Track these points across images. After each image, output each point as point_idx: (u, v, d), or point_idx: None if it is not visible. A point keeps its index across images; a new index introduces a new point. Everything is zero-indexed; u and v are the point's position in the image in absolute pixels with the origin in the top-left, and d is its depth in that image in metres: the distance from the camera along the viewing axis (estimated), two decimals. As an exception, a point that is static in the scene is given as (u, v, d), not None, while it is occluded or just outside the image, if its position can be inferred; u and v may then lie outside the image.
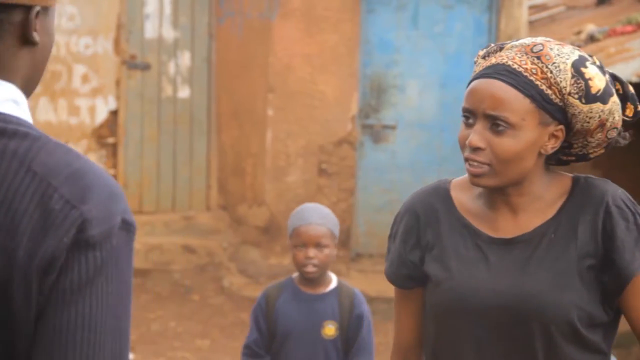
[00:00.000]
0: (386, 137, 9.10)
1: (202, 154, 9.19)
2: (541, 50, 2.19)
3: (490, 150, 2.20)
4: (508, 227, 2.29)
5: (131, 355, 2.32)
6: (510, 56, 2.21)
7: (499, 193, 2.28)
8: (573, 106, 2.18)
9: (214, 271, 8.68)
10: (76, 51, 8.82)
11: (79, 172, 1.57)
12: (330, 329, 3.94)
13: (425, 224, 2.36)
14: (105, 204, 1.57)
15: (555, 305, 2.19)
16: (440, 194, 2.39)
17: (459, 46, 9.11)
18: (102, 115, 8.87)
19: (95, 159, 8.89)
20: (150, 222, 8.98)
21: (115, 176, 8.96)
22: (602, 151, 2.30)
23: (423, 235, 2.35)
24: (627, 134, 2.32)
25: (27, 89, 1.69)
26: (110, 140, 8.92)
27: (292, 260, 4.00)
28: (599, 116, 2.19)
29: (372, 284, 8.51)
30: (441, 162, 9.06)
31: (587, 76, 2.16)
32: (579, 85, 2.17)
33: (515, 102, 2.17)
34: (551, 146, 2.21)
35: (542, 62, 2.18)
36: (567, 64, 2.17)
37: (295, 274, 4.06)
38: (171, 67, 9.12)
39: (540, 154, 2.22)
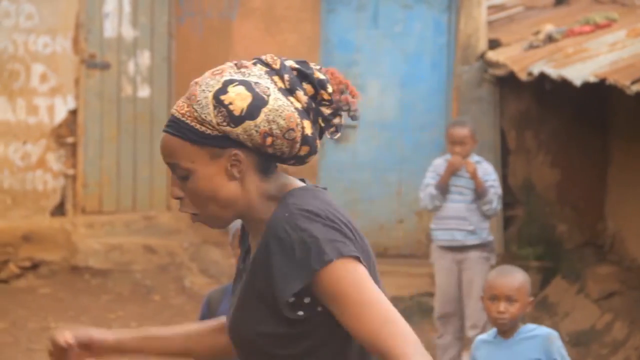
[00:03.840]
0: (347, 137, 9.11)
1: (159, 156, 9.18)
2: (192, 90, 2.30)
3: (187, 197, 2.32)
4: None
5: None
6: (178, 104, 2.32)
7: (244, 219, 2.38)
8: (230, 132, 2.26)
9: (175, 271, 8.66)
10: (34, 50, 8.77)
11: None
12: None
13: None
14: None
15: (244, 332, 2.32)
16: None
17: (419, 46, 9.14)
18: (61, 114, 8.82)
19: (54, 158, 8.84)
20: (110, 222, 8.94)
21: (74, 176, 8.91)
22: (311, 146, 2.33)
23: None
24: (355, 113, 2.39)
25: None
26: (70, 140, 8.87)
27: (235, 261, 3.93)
28: (257, 131, 2.26)
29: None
30: (402, 161, 9.09)
31: (226, 102, 2.25)
32: (222, 113, 2.25)
33: (180, 149, 2.28)
34: (237, 170, 2.29)
35: (190, 103, 2.28)
36: (208, 98, 2.26)
37: None
38: (131, 67, 9.09)
39: (236, 179, 2.30)
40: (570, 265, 8.40)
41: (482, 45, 9.00)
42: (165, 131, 2.30)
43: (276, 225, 2.24)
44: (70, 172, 8.90)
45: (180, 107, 2.29)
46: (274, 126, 2.26)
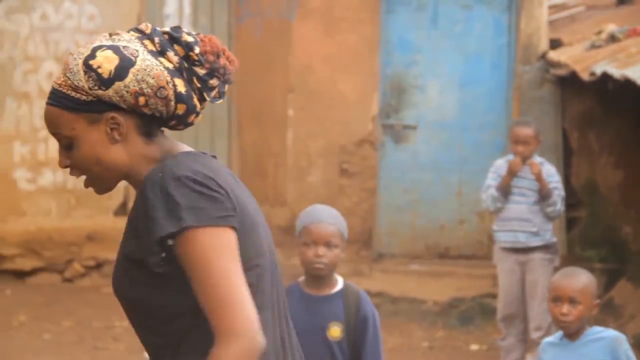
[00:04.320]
0: (407, 137, 9.10)
1: (223, 155, 9.21)
2: (66, 60, 2.40)
3: (74, 164, 2.40)
4: None
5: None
6: (57, 75, 2.41)
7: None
8: (102, 95, 2.35)
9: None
10: (97, 51, 8.85)
11: None
12: (335, 331, 3.91)
13: None
14: None
15: (120, 289, 2.41)
16: None
17: (479, 46, 9.11)
18: (122, 115, 8.90)
19: (117, 159, 8.92)
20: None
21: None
22: (188, 104, 2.41)
23: None
24: (228, 77, 2.47)
25: None
26: (132, 140, 8.95)
27: (299, 258, 3.93)
28: (127, 91, 2.34)
29: (395, 284, 8.51)
30: (462, 162, 9.06)
31: (95, 66, 2.34)
32: (92, 77, 2.34)
33: (60, 118, 2.37)
34: (117, 134, 2.38)
35: (65, 72, 2.37)
36: (79, 64, 2.36)
37: (302, 278, 3.99)
38: (192, 68, 9.13)
39: (118, 142, 2.38)
40: (635, 267, 8.29)
41: (543, 45, 8.94)
42: (47, 103, 2.39)
43: (146, 184, 2.30)
44: (133, 172, 8.99)
45: (57, 78, 2.39)
46: (143, 85, 2.35)
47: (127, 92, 2.34)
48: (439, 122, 9.09)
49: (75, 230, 8.70)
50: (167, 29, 2.44)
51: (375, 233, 9.05)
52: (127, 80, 2.34)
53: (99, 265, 8.73)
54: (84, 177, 2.43)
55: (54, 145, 8.70)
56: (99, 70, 2.33)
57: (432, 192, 9.09)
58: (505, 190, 6.75)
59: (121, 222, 8.83)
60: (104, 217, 8.88)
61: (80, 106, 2.36)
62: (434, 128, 9.08)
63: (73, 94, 2.36)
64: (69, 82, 2.36)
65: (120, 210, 8.94)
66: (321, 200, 7.61)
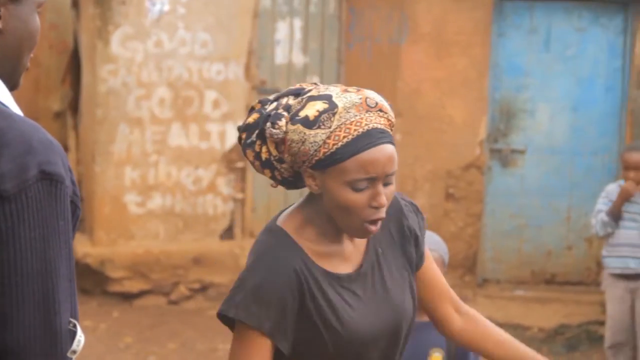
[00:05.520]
0: (515, 162, 8.96)
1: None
2: (384, 105, 2.39)
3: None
4: (353, 252, 2.49)
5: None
6: (370, 119, 2.34)
7: None
8: None
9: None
10: (208, 77, 8.95)
11: (1, 132, 1.71)
12: (437, 357, 3.85)
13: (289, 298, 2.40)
14: (19, 158, 1.69)
15: (412, 308, 2.54)
16: (295, 251, 2.42)
17: (592, 69, 8.92)
18: (231, 140, 8.97)
19: (224, 183, 8.99)
20: (278, 246, 9.01)
21: (243, 200, 9.04)
22: None
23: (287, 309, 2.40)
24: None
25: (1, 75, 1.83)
26: (240, 164, 9.01)
27: None
28: None
29: (500, 310, 8.37)
30: (572, 187, 8.87)
31: None
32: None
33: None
34: None
35: (385, 114, 2.38)
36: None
37: None
38: (300, 92, 9.16)
39: None
40: None
41: (658, 67, 8.72)
42: (390, 142, 2.35)
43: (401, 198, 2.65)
44: (240, 196, 9.04)
45: (378, 121, 2.36)
46: None
47: None
48: (549, 146, 8.92)
49: (182, 253, 8.79)
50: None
51: (480, 258, 8.92)
52: None
53: (204, 288, 8.79)
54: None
55: (163, 169, 8.83)
56: None
57: (540, 217, 8.92)
58: (616, 216, 6.59)
59: (227, 246, 8.92)
60: (210, 241, 8.94)
61: None
62: (543, 152, 8.92)
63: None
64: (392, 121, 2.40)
65: (226, 234, 9.00)
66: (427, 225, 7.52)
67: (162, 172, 8.84)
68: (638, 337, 6.53)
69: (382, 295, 2.46)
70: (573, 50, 8.93)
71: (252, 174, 9.04)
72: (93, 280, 8.57)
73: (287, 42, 9.15)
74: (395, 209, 2.54)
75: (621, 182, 6.73)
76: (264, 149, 2.42)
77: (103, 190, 8.74)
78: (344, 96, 2.35)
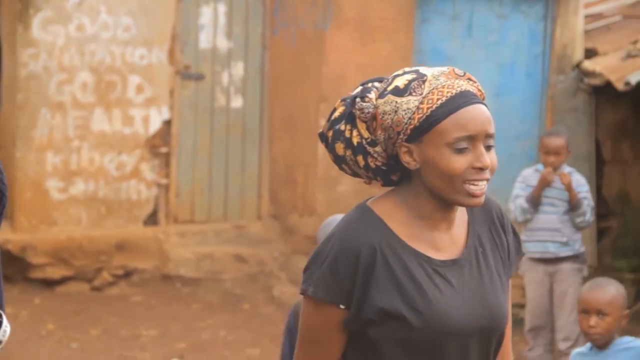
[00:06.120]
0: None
1: (254, 164, 9.21)
2: (467, 73, 2.37)
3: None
4: (448, 244, 2.35)
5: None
6: (461, 83, 2.32)
7: (451, 209, 2.35)
8: None
9: (264, 280, 8.68)
10: (131, 62, 8.88)
11: None
12: None
13: (368, 270, 2.30)
14: None
15: (505, 315, 2.38)
16: (378, 228, 2.32)
17: (514, 55, 9.03)
18: (155, 125, 8.92)
19: (148, 168, 8.94)
20: (201, 231, 9.01)
21: (167, 186, 9.01)
22: None
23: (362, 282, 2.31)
24: None
25: None
26: (164, 149, 8.97)
27: None
28: None
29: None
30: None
31: None
32: None
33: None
34: None
35: (474, 82, 2.36)
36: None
37: None
38: (225, 78, 9.15)
39: None
40: (666, 278, 8.21)
41: (578, 54, 8.86)
42: (482, 103, 2.33)
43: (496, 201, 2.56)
44: (164, 181, 9.00)
45: (472, 85, 2.34)
46: None
47: None
48: (472, 131, 9.01)
49: (105, 239, 8.72)
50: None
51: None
52: None
53: (127, 274, 8.74)
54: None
55: (86, 155, 8.75)
56: None
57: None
58: (535, 201, 6.66)
59: (151, 232, 8.89)
60: (134, 227, 8.89)
61: None
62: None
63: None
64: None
65: (150, 219, 8.96)
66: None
67: (85, 157, 8.76)
68: (556, 320, 6.63)
69: (478, 291, 2.32)
70: (495, 37, 9.03)
71: (176, 159, 9.00)
72: (14, 266, 8.47)
73: (211, 27, 9.12)
74: (498, 214, 2.45)
75: (538, 166, 6.79)
76: (354, 133, 2.34)
77: (24, 176, 8.63)
78: (430, 69, 2.32)
